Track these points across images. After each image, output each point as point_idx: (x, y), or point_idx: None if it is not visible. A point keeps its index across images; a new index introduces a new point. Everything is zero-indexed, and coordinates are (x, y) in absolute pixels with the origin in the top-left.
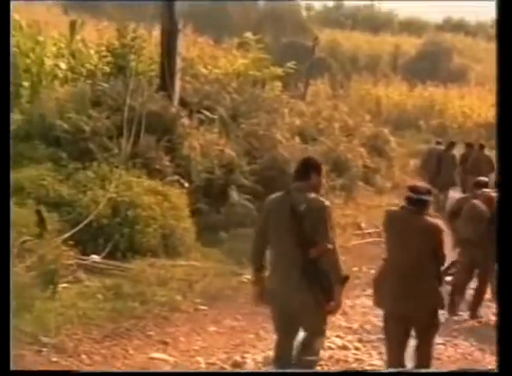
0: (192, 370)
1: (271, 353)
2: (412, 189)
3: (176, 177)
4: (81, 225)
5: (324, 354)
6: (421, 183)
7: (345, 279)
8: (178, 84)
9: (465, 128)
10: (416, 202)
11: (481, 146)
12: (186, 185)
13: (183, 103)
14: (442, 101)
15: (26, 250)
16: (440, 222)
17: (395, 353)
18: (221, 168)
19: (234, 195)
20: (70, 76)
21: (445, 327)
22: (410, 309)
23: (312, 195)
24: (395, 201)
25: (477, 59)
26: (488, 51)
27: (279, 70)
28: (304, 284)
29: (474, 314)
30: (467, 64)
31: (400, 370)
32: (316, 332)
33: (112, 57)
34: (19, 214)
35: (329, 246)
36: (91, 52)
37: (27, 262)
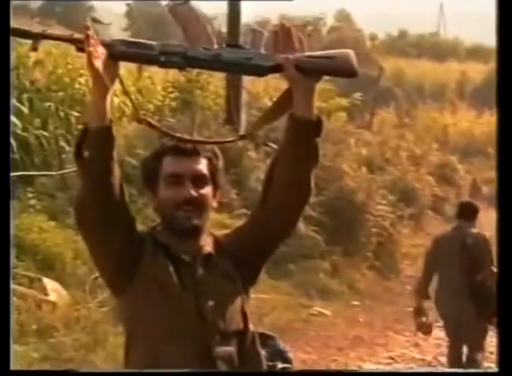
0: (192, 370)
1: None
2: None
3: (243, 210)
4: None
5: None
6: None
7: None
8: (243, 117)
9: None
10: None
11: None
12: None
13: (249, 136)
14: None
15: (98, 286)
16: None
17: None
18: None
19: (301, 227)
20: (133, 110)
21: None
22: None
23: (476, 230)
24: None
25: None
26: None
27: (344, 101)
28: (471, 304)
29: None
30: None
31: (400, 370)
32: (478, 347)
33: (178, 93)
34: None
35: (495, 269)
36: (158, 88)
37: (99, 298)
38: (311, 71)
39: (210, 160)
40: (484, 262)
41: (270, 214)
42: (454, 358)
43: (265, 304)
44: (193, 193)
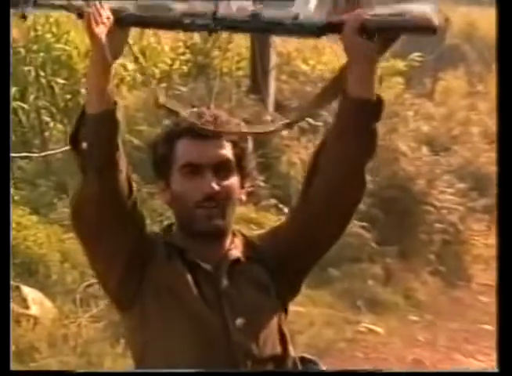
0: (191, 370)
1: None
2: None
3: (273, 201)
4: None
5: None
6: None
7: None
8: (272, 85)
9: None
10: None
11: None
12: (286, 210)
13: (280, 108)
14: None
15: (91, 296)
16: None
17: None
18: None
19: None
20: (140, 79)
21: None
22: None
23: None
24: None
25: None
26: None
27: (400, 64)
28: None
29: None
30: None
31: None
32: None
33: (191, 54)
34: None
35: None
36: (166, 48)
37: (93, 311)
38: (379, 33)
39: (235, 142)
40: None
41: (315, 212)
42: None
43: (299, 319)
44: (215, 186)
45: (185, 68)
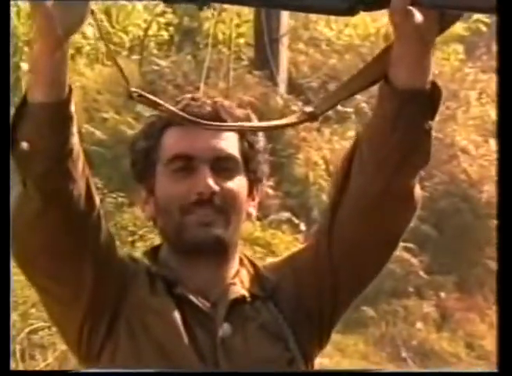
0: (191, 370)
1: None
2: None
3: (286, 214)
4: None
5: None
6: None
7: None
8: (284, 57)
9: None
10: None
11: None
12: (304, 227)
13: (295, 88)
14: None
15: (37, 345)
16: None
17: None
18: None
19: None
20: (105, 49)
21: None
22: None
23: None
24: None
25: None
26: None
27: (459, 26)
28: None
29: None
30: None
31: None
32: None
33: (173, 15)
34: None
35: None
36: (139, 6)
37: (41, 366)
38: (436, 8)
39: (242, 135)
40: None
41: (349, 236)
42: None
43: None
44: (213, 184)
45: (165, 34)
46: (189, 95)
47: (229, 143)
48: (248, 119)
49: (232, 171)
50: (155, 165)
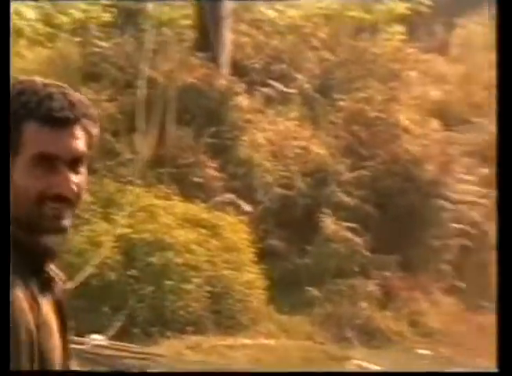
0: (191, 370)
1: None
2: None
3: (230, 196)
4: (71, 285)
5: None
6: None
7: None
8: (228, 38)
9: None
10: None
11: None
12: (247, 208)
13: (238, 69)
14: None
15: None
16: None
17: None
18: (304, 177)
19: (328, 223)
20: (45, 31)
21: None
22: None
23: None
24: None
25: None
26: None
27: (400, 7)
28: None
29: None
30: None
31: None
32: None
33: None
34: None
35: None
36: None
37: None
38: None
39: (88, 130)
40: None
41: None
42: None
43: (269, 355)
44: (73, 186)
45: (106, 16)
46: (28, 81)
47: (80, 141)
48: (94, 110)
49: (81, 167)
50: (14, 154)
